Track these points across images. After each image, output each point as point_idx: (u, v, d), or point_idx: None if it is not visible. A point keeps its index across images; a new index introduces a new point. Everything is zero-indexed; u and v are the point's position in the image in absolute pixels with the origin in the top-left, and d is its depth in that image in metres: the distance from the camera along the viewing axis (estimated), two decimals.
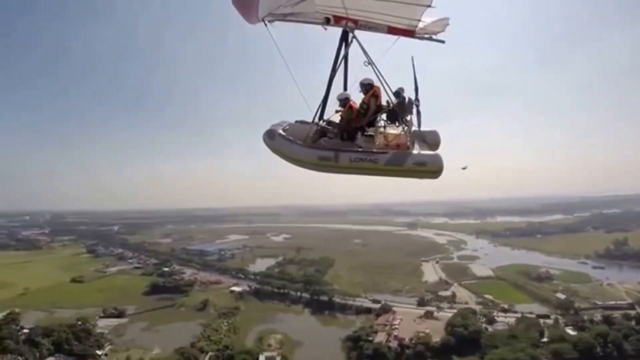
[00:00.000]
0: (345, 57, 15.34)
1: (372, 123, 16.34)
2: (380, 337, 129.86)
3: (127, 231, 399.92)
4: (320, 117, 15.92)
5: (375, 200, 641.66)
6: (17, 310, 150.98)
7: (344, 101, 16.29)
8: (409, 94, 15.90)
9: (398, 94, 15.65)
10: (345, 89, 16.26)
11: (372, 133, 16.34)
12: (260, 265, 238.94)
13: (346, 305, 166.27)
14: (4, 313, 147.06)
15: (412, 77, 15.67)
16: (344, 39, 15.01)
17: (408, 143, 15.11)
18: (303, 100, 15.74)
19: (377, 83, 15.56)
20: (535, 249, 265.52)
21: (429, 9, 12.94)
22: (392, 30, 15.10)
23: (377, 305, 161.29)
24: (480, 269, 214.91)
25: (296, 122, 17.16)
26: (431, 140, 16.50)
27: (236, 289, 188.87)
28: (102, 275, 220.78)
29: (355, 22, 14.83)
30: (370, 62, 14.69)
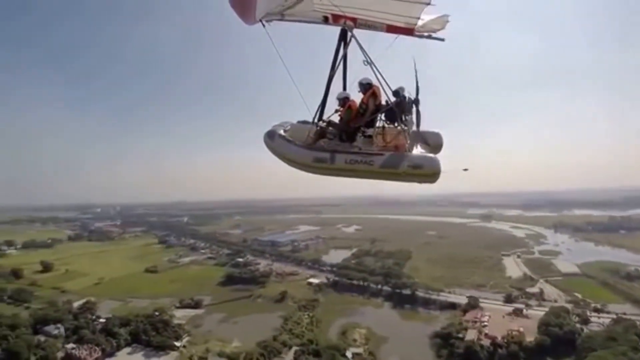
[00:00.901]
0: (345, 56, 16.11)
1: (372, 123, 16.92)
2: (470, 335, 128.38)
3: (196, 222, 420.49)
4: (320, 118, 16.83)
5: (444, 190, 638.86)
6: (92, 299, 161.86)
7: (344, 101, 16.96)
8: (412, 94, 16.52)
9: (397, 93, 16.32)
10: (344, 88, 16.97)
11: (371, 134, 16.93)
12: (334, 256, 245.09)
13: (429, 300, 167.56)
14: (80, 302, 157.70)
15: (415, 77, 16.10)
16: (343, 38, 15.84)
17: (407, 144, 15.72)
18: (303, 101, 16.56)
19: (376, 83, 16.13)
20: (620, 245, 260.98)
21: (429, 6, 13.72)
22: (391, 29, 15.87)
23: (461, 301, 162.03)
24: (565, 265, 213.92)
25: (298, 122, 18.22)
26: (433, 142, 17.47)
27: (314, 280, 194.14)
28: (175, 266, 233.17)
29: (353, 20, 15.53)
30: (369, 62, 15.32)
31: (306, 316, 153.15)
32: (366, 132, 16.96)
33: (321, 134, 17.04)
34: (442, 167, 14.24)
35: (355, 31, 15.60)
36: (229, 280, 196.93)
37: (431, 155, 15.03)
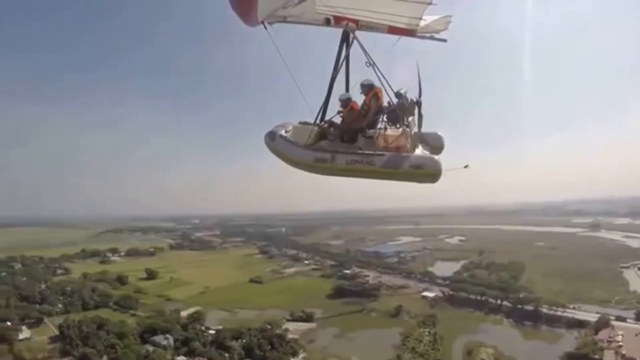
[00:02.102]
0: (347, 57, 16.54)
1: (373, 124, 17.30)
2: (608, 357, 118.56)
3: (295, 233, 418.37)
4: (322, 118, 17.39)
5: (546, 198, 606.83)
6: (200, 309, 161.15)
7: (346, 102, 17.34)
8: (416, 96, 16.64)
9: (399, 94, 16.32)
10: (347, 90, 17.44)
11: (373, 135, 17.28)
12: (442, 269, 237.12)
13: (553, 317, 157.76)
14: (189, 311, 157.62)
15: (418, 79, 16.20)
16: (345, 40, 16.20)
17: (408, 145, 16.00)
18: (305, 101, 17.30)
19: (378, 84, 16.33)
20: None
21: (431, 6, 13.75)
22: (393, 30, 16.06)
23: (588, 318, 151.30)
24: None
25: (299, 123, 18.65)
26: (434, 143, 16.53)
27: (428, 294, 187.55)
28: (280, 277, 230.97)
29: (355, 22, 15.94)
30: (371, 63, 15.65)
31: (427, 333, 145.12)
32: (367, 133, 17.33)
33: (322, 134, 17.40)
34: (443, 168, 14.66)
35: (358, 33, 15.95)
36: (339, 293, 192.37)
37: (432, 155, 15.39)
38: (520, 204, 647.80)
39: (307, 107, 17.42)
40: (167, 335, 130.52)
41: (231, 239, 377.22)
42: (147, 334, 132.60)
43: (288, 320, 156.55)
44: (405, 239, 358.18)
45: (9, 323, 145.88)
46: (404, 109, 16.45)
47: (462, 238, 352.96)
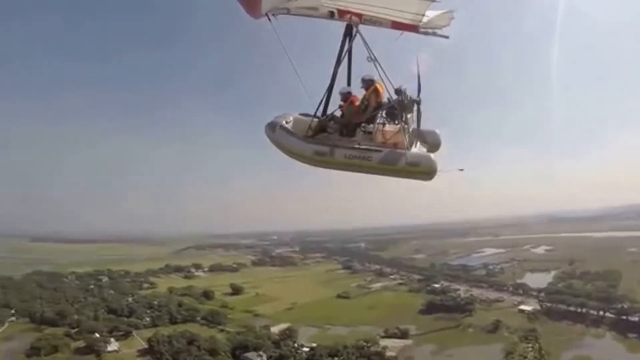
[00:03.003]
0: (349, 51, 16.70)
1: (372, 120, 17.64)
2: None
3: (374, 247, 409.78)
4: (323, 112, 17.45)
5: (630, 201, 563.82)
6: (292, 326, 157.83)
7: (346, 96, 17.72)
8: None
9: (399, 91, 16.60)
10: (348, 83, 17.79)
11: (371, 130, 17.73)
12: (532, 280, 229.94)
13: None
14: (279, 328, 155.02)
15: (417, 77, 16.51)
16: (348, 33, 16.34)
17: (405, 142, 16.21)
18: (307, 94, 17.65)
19: (379, 79, 16.68)
20: None
21: (434, 3, 14.07)
22: (396, 25, 16.17)
23: None
24: None
25: (300, 114, 18.52)
26: (431, 140, 17.19)
27: (525, 307, 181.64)
28: (367, 292, 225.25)
29: (359, 16, 15.97)
30: (373, 58, 15.98)
31: (530, 348, 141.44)
32: (367, 128, 17.79)
33: (322, 127, 17.58)
34: (438, 166, 15.17)
35: (361, 27, 16.11)
36: (430, 308, 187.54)
37: (428, 154, 15.94)
38: (602, 208, 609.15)
39: (309, 99, 17.54)
40: (260, 353, 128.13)
41: (311, 254, 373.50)
42: (238, 350, 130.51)
43: (382, 337, 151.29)
44: (489, 251, 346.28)
45: (97, 335, 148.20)
46: (402, 106, 16.64)
47: (549, 247, 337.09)
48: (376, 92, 17.05)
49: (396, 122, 16.98)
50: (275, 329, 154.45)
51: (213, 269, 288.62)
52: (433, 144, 17.15)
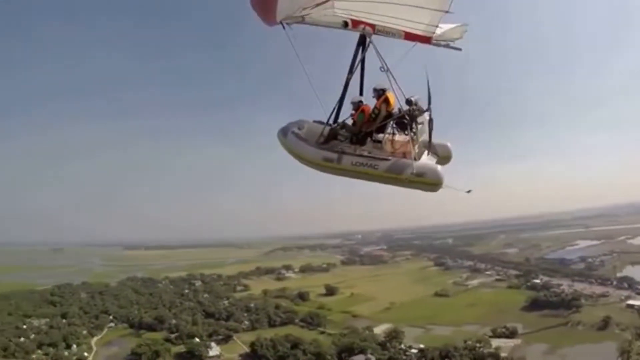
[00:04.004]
0: (362, 61, 16.95)
1: (382, 129, 17.42)
2: None
3: (462, 243, 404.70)
4: (335, 119, 17.76)
5: None
6: (391, 325, 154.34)
7: (357, 105, 17.76)
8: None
9: (409, 102, 16.54)
10: (361, 93, 17.83)
11: (381, 139, 17.47)
12: (634, 272, 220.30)
13: None
14: (381, 328, 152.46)
15: (427, 88, 16.31)
16: (362, 43, 16.49)
17: (413, 152, 15.99)
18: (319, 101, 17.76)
19: (391, 89, 16.84)
20: None
21: (447, 15, 13.99)
22: (409, 36, 15.96)
23: None
24: None
25: (314, 121, 18.78)
26: (442, 153, 17.96)
27: (634, 302, 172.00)
28: (465, 289, 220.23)
29: (372, 27, 15.93)
30: (386, 69, 16.18)
31: None
32: (376, 137, 17.62)
33: (333, 135, 17.74)
34: (444, 179, 15.03)
35: (374, 38, 16.21)
36: (534, 305, 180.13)
37: (435, 165, 15.89)
38: None
39: (321, 107, 17.73)
40: (369, 355, 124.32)
41: (400, 252, 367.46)
42: (344, 353, 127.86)
43: (489, 337, 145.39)
44: (583, 243, 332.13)
45: (197, 339, 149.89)
46: (412, 116, 16.57)
47: None
48: (387, 101, 17.19)
49: (406, 132, 16.86)
50: (377, 330, 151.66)
51: (304, 269, 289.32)
52: (444, 156, 17.94)
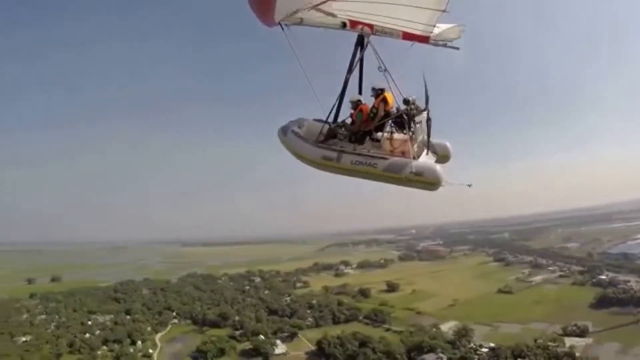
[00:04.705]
0: (361, 60, 17.21)
1: (381, 128, 17.59)
2: None
3: (519, 237, 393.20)
4: (335, 119, 18.04)
5: None
6: (457, 323, 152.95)
7: (356, 104, 18.02)
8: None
9: (407, 101, 17.17)
10: (360, 92, 18.13)
11: (380, 138, 17.63)
12: None
13: None
14: (447, 326, 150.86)
15: (425, 87, 16.84)
16: (360, 43, 16.79)
17: (412, 151, 16.17)
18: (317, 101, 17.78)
19: (389, 89, 17.44)
20: None
21: (445, 14, 14.28)
22: (407, 36, 16.37)
23: None
24: None
25: (314, 120, 18.98)
26: (441, 152, 18.56)
27: None
28: (528, 286, 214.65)
29: (370, 27, 16.27)
30: (384, 68, 16.77)
31: None
32: (375, 136, 17.83)
33: (332, 134, 18.02)
34: (443, 177, 15.06)
35: (372, 38, 16.47)
36: (602, 302, 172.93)
37: (434, 164, 16.04)
38: None
39: (320, 106, 17.88)
40: (440, 354, 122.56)
41: (457, 247, 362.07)
42: (413, 351, 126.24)
43: (560, 335, 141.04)
44: None
45: (262, 337, 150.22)
46: (410, 116, 16.85)
47: None
48: (385, 101, 17.46)
49: (404, 131, 16.98)
50: (444, 328, 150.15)
51: (361, 265, 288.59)
52: (443, 155, 18.45)
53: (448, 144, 18.83)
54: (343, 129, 18.02)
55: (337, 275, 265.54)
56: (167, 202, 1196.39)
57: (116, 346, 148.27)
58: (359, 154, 16.25)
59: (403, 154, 16.16)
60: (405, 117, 16.76)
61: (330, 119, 17.88)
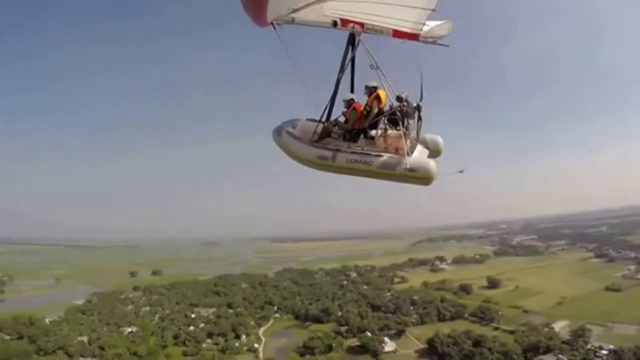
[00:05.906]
0: (352, 59, 17.36)
1: (375, 125, 17.85)
2: None
3: (618, 231, 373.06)
4: (328, 118, 18.01)
5: None
6: (567, 322, 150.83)
7: (349, 102, 18.13)
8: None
9: (400, 98, 17.17)
10: (352, 90, 18.19)
11: (374, 135, 17.99)
12: None
13: None
14: (560, 325, 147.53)
15: (420, 84, 17.01)
16: (351, 42, 16.93)
17: (406, 148, 16.19)
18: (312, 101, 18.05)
19: (382, 86, 17.56)
20: None
21: (434, 12, 14.63)
22: (397, 34, 16.40)
23: None
24: None
25: (307, 119, 18.99)
26: (433, 146, 18.80)
27: None
28: (637, 283, 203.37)
29: (361, 25, 16.31)
30: (375, 66, 17.08)
31: None
32: (369, 133, 18.10)
33: (326, 133, 18.07)
34: (436, 172, 15.14)
35: (363, 36, 16.62)
36: None
37: (427, 160, 16.10)
38: None
39: (314, 106, 17.99)
40: (561, 356, 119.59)
41: (553, 242, 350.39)
42: (529, 352, 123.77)
43: None
44: None
45: (368, 334, 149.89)
46: (403, 112, 17.00)
47: None
48: (378, 98, 17.56)
49: (398, 128, 17.21)
50: (556, 327, 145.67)
51: (457, 261, 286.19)
52: (435, 150, 18.64)
53: (439, 139, 19.12)
54: (337, 127, 18.29)
55: (433, 270, 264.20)
56: (255, 200, 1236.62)
57: (221, 339, 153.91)
58: (353, 152, 16.47)
59: (397, 150, 16.53)
60: (399, 114, 17.13)
61: (324, 118, 18.15)
